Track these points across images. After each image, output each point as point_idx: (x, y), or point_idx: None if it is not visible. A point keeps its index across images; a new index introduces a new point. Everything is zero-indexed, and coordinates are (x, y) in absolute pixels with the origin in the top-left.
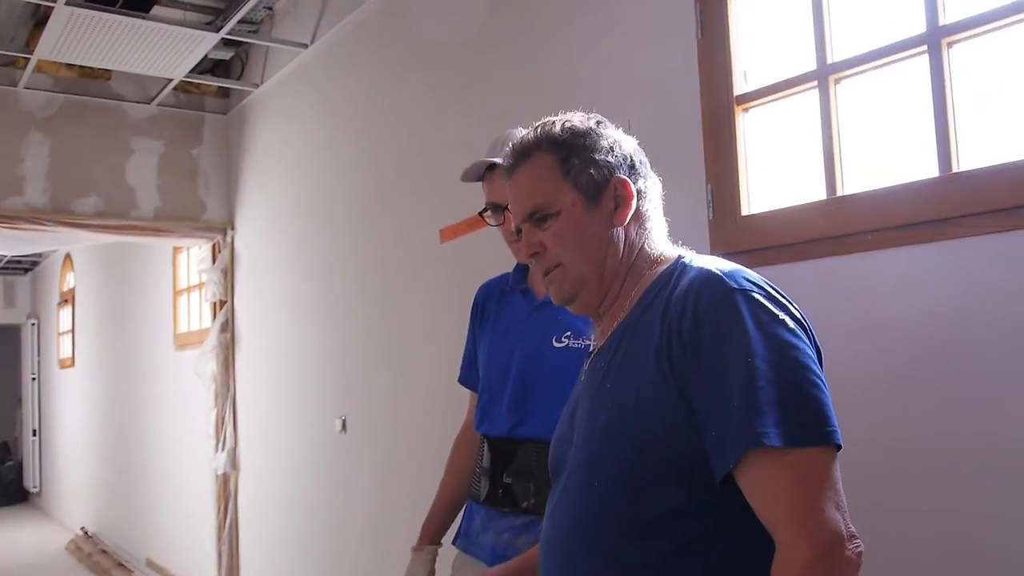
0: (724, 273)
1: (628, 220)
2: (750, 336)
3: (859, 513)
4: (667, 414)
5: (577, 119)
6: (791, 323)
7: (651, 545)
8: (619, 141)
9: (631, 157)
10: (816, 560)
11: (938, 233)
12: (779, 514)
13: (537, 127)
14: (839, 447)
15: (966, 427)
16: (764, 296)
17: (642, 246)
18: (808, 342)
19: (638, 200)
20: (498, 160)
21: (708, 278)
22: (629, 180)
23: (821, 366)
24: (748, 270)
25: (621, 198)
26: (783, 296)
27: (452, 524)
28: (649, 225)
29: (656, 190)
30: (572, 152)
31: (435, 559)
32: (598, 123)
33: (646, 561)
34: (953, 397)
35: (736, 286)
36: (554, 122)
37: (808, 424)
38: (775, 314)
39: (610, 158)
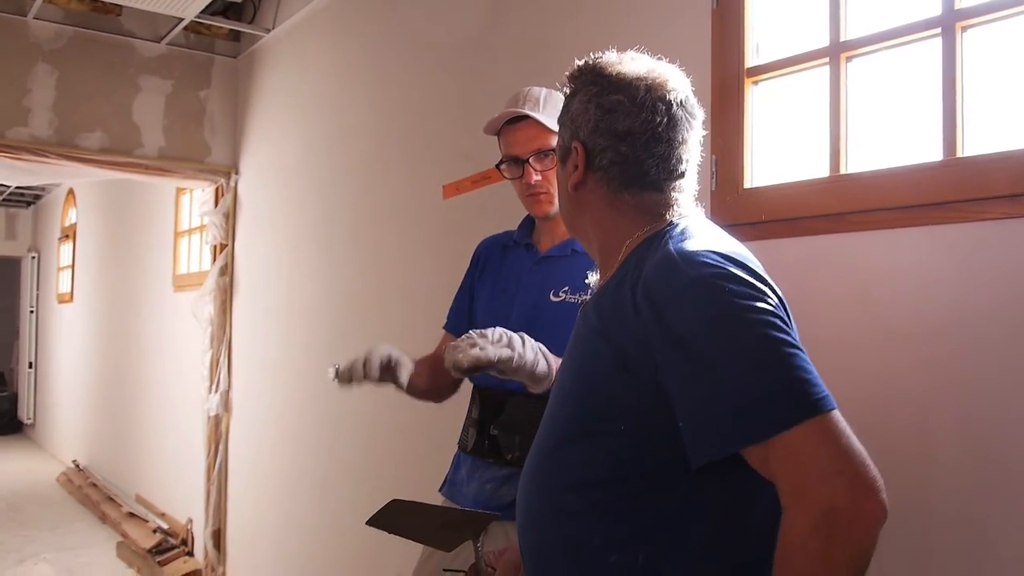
0: (683, 257)
1: (586, 183)
2: (692, 315)
3: None
4: (606, 387)
5: (577, 69)
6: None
7: (581, 495)
8: (603, 103)
9: (615, 120)
10: None
11: (937, 216)
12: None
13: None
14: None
15: (952, 410)
16: (724, 276)
17: (620, 209)
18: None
19: (607, 165)
20: (526, 111)
21: (664, 265)
22: (584, 144)
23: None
24: (720, 251)
25: (574, 163)
26: (750, 274)
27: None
28: (633, 188)
29: (663, 149)
30: (563, 109)
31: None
32: (596, 75)
33: (579, 508)
34: (940, 380)
35: (692, 273)
36: (569, 70)
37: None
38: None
39: (580, 120)
